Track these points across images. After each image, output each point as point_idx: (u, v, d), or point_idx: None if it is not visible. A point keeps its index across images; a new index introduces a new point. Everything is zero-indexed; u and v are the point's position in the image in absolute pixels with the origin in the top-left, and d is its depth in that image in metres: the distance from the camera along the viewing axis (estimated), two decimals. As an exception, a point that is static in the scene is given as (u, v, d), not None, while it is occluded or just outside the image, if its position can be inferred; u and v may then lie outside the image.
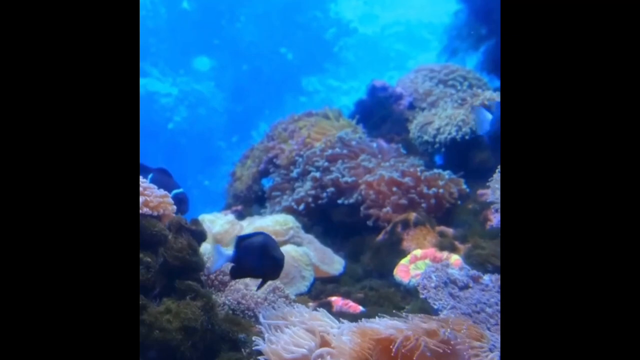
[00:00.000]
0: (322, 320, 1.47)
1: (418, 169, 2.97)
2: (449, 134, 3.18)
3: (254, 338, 1.53)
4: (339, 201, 2.92)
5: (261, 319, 1.55)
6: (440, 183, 2.85)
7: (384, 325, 1.32)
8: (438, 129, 3.23)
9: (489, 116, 2.13)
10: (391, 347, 1.28)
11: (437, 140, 3.23)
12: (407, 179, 2.85)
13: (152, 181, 1.91)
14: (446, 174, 2.96)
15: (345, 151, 3.10)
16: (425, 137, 3.29)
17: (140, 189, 1.74)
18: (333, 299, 2.21)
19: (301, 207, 2.99)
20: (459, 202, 2.90)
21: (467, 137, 3.15)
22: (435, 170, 2.99)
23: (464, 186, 2.95)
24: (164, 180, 2.01)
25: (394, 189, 2.84)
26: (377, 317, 1.40)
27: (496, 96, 3.38)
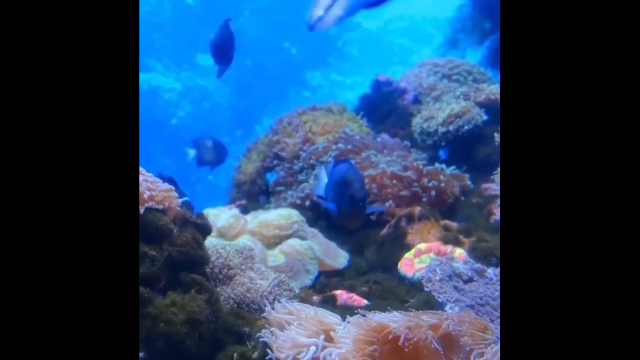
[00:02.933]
0: (327, 317, 1.48)
1: (421, 163, 2.97)
2: (453, 128, 3.19)
3: (259, 334, 1.53)
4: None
5: (266, 316, 1.55)
6: (442, 178, 2.85)
7: (388, 319, 1.33)
8: (442, 124, 3.23)
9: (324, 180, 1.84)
10: (396, 340, 1.29)
11: (441, 134, 3.24)
12: (409, 173, 2.86)
13: None
14: (450, 170, 2.97)
15: (350, 146, 3.11)
16: (430, 132, 3.30)
17: (147, 183, 1.75)
18: (338, 292, 2.22)
19: (307, 203, 3.00)
20: (462, 198, 2.90)
21: (470, 133, 3.16)
22: (438, 165, 2.99)
23: (469, 182, 2.96)
24: None
25: (394, 182, 2.84)
26: (378, 312, 1.41)
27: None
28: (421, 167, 2.92)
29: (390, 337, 1.30)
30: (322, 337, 1.36)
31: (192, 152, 3.91)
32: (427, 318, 1.34)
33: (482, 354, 1.28)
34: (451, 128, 3.20)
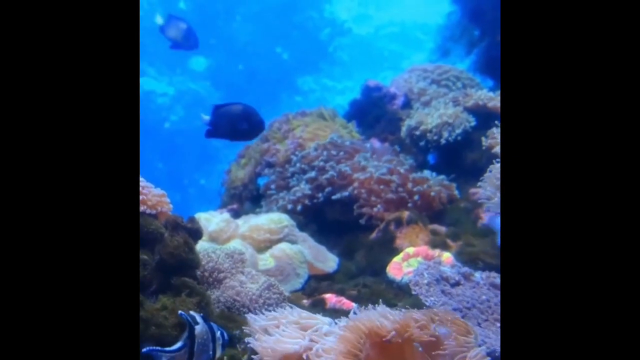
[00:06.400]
0: (313, 317, 1.50)
1: (403, 168, 2.99)
2: (441, 134, 3.22)
3: (246, 339, 1.56)
4: (333, 197, 2.95)
5: (252, 323, 1.58)
6: (425, 187, 2.88)
7: (375, 317, 1.35)
8: (430, 130, 3.26)
9: None
10: (382, 339, 1.32)
11: (429, 139, 3.27)
12: (394, 177, 2.88)
13: None
14: (438, 178, 2.99)
15: (342, 153, 3.12)
16: (418, 137, 3.33)
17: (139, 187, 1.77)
18: (327, 296, 2.24)
19: (298, 207, 3.02)
20: (447, 205, 2.93)
21: (459, 138, 3.19)
22: (422, 174, 3.01)
23: (456, 192, 2.98)
24: None
25: (381, 187, 2.87)
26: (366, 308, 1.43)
27: (490, 96, 3.41)
28: (402, 171, 2.94)
29: (376, 337, 1.33)
30: (307, 337, 1.39)
31: (159, 20, 3.56)
32: (413, 318, 1.37)
33: (464, 357, 1.31)
34: (440, 133, 3.23)
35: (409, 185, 2.87)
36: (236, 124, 2.08)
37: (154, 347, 1.45)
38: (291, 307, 1.57)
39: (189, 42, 3.59)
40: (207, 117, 2.09)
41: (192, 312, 1.53)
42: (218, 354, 1.52)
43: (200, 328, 1.49)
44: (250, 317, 1.60)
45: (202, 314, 1.55)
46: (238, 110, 2.08)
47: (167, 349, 1.46)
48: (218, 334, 1.52)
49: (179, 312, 1.53)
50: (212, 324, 1.54)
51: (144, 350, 1.42)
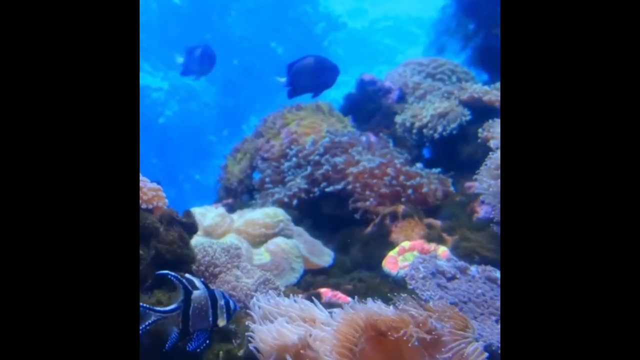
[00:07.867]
0: (311, 309, 1.50)
1: (398, 161, 2.99)
2: (436, 128, 3.21)
3: (247, 322, 1.55)
4: (327, 190, 2.94)
5: (252, 308, 1.57)
6: (418, 180, 2.88)
7: (372, 310, 1.35)
8: (426, 124, 3.25)
9: None
10: (379, 333, 1.31)
11: (424, 133, 3.26)
12: (389, 169, 2.88)
13: None
14: (433, 172, 2.98)
15: (338, 150, 3.11)
16: (413, 131, 3.32)
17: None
18: (322, 290, 2.23)
19: (294, 202, 3.01)
20: (443, 200, 2.93)
21: (454, 132, 3.18)
22: (417, 168, 3.01)
23: (451, 188, 2.98)
24: None
25: (374, 181, 2.86)
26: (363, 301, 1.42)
27: (485, 89, 3.40)
28: (398, 165, 2.94)
29: (372, 332, 1.33)
30: (304, 328, 1.38)
31: (179, 59, 3.68)
32: (411, 313, 1.36)
33: (462, 352, 1.31)
34: (434, 127, 3.22)
35: (402, 178, 2.87)
36: (314, 76, 2.13)
37: (144, 305, 1.44)
38: (294, 300, 1.56)
39: (203, 67, 3.66)
40: (283, 79, 2.13)
41: (189, 276, 1.51)
42: (222, 323, 1.50)
43: (199, 293, 1.47)
44: (252, 302, 1.59)
45: (202, 279, 1.53)
46: (311, 63, 2.13)
47: (158, 308, 1.45)
48: (222, 302, 1.49)
49: (165, 272, 1.50)
50: (216, 290, 1.51)
51: None
